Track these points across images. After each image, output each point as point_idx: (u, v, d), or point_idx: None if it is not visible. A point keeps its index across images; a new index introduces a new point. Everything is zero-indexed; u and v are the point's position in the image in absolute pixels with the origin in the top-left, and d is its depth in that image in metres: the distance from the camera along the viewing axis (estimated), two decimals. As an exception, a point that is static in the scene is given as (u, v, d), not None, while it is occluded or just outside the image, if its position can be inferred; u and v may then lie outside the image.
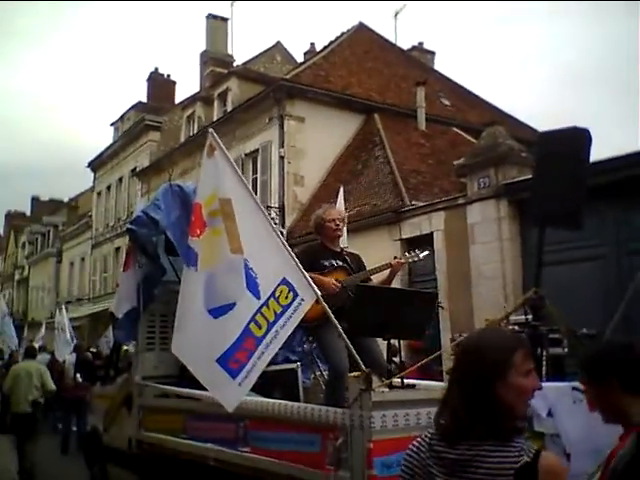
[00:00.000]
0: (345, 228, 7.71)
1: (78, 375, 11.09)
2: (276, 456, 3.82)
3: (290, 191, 16.26)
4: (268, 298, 3.60)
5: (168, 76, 31.36)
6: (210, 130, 4.20)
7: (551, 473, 1.60)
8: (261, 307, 3.59)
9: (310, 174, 16.35)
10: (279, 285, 3.60)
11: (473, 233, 10.59)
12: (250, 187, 4.06)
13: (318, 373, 5.28)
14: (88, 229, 32.01)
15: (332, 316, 3.62)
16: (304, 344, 5.63)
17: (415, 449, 1.79)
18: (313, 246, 5.04)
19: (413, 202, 12.46)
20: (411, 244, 12.25)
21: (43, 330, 22.56)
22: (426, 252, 4.85)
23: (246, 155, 18.07)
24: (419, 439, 1.81)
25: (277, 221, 16.01)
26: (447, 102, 20.25)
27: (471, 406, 1.68)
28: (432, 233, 11.51)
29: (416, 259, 4.85)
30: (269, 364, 4.89)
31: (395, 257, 4.77)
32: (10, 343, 16.78)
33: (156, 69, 30.74)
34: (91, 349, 15.19)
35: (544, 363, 4.11)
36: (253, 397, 4.35)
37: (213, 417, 4.54)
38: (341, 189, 9.21)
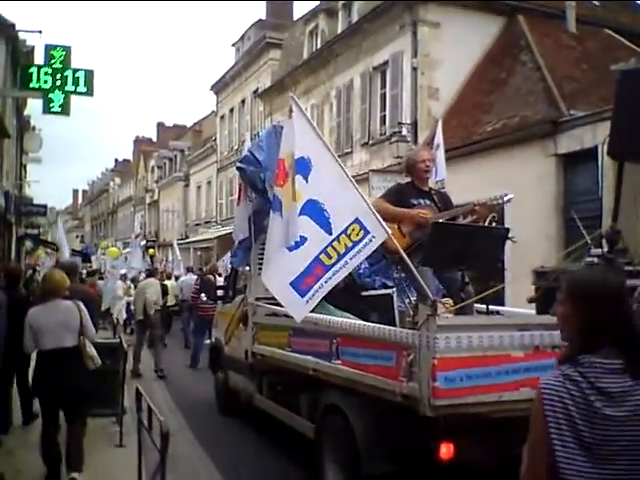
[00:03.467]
0: (444, 163, 8.21)
1: (202, 295, 12.38)
2: (361, 368, 4.43)
3: (424, 105, 15.10)
4: (339, 234, 4.28)
5: (286, -9, 30.31)
6: (291, 94, 5.00)
7: None
8: (332, 241, 4.30)
9: (445, 86, 15.04)
10: (351, 224, 4.25)
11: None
12: (322, 134, 4.60)
13: (409, 300, 5.72)
14: (213, 153, 32.48)
15: (403, 252, 4.29)
16: (402, 272, 6.11)
17: (563, 388, 1.81)
18: (403, 186, 5.49)
19: (572, 111, 11.01)
20: (569, 160, 10.97)
21: (177, 252, 23.45)
22: (511, 195, 4.93)
23: (374, 68, 16.97)
24: (555, 380, 1.83)
25: (409, 138, 15.03)
26: (596, 2, 17.86)
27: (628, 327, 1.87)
28: (596, 147, 10.11)
29: (500, 202, 4.95)
30: (368, 289, 6.15)
31: (477, 201, 4.97)
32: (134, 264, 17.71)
33: (274, -16, 29.74)
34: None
35: None
36: (344, 318, 5.11)
37: (312, 334, 5.23)
38: (439, 122, 8.51)
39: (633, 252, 4.71)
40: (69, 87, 8.56)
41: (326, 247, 4.30)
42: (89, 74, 8.52)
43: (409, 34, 15.25)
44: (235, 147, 28.74)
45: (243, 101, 28.09)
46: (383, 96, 16.73)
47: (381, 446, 4.37)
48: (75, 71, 8.59)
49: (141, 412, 4.62)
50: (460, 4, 15.10)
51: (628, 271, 4.76)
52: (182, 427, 7.58)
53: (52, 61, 8.55)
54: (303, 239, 4.39)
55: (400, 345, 4.08)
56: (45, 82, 8.54)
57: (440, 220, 4.97)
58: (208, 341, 11.77)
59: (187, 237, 35.67)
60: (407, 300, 6.32)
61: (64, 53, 8.64)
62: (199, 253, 32.80)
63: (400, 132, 14.94)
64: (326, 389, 5.13)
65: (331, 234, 4.30)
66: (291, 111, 4.69)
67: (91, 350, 5.07)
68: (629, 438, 1.79)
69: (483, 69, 15.02)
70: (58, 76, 8.58)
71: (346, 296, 6.25)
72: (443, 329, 3.80)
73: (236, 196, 7.73)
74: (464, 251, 4.41)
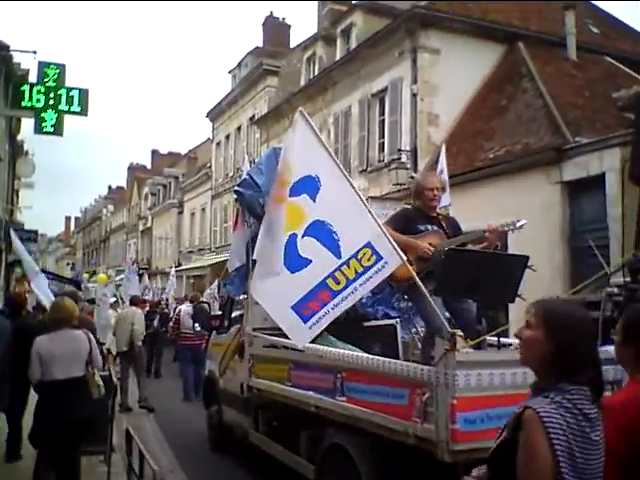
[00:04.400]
0: (447, 188, 7.63)
1: (196, 324, 12.03)
2: (368, 406, 4.12)
3: (423, 132, 14.87)
4: (349, 258, 4.02)
5: (283, 19, 30.48)
6: (300, 109, 4.49)
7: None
8: (341, 265, 4.04)
9: (445, 112, 14.84)
10: (362, 248, 4.00)
11: (660, 172, 8.87)
12: (333, 152, 4.42)
13: (415, 330, 5.68)
14: (208, 180, 32.25)
15: (418, 280, 3.98)
16: (405, 301, 5.94)
17: (561, 419, 1.83)
18: (410, 211, 5.32)
19: (577, 138, 10.77)
20: (575, 188, 10.70)
21: (173, 279, 23.00)
22: (523, 222, 4.78)
23: (373, 95, 16.78)
24: (553, 412, 1.84)
25: (408, 165, 14.78)
26: (595, 30, 17.85)
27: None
28: (603, 174, 9.86)
29: (513, 228, 4.78)
30: (370, 319, 6.09)
31: (489, 226, 4.79)
32: (131, 291, 17.30)
33: (271, 13, 29.90)
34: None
35: None
36: (349, 351, 4.81)
37: (314, 368, 4.95)
38: (443, 147, 8.36)
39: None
40: (62, 106, 8.25)
41: (334, 271, 4.06)
42: (84, 93, 8.22)
43: (409, 60, 15.10)
44: (230, 174, 28.52)
45: (239, 128, 27.95)
46: (382, 123, 16.53)
47: None
48: (69, 90, 8.30)
49: (131, 456, 4.20)
50: (460, 31, 15.00)
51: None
52: (172, 464, 7.12)
53: (45, 79, 8.27)
54: (307, 261, 4.16)
55: (414, 382, 3.78)
56: (38, 101, 8.25)
57: (453, 247, 4.69)
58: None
59: (180, 264, 35.21)
60: (413, 330, 6.17)
61: (58, 71, 8.35)
62: (192, 281, 32.33)
63: (399, 159, 14.71)
64: (329, 427, 4.80)
65: (340, 257, 4.07)
66: (298, 123, 4.41)
67: (99, 379, 5.03)
68: (601, 459, 1.89)
69: (483, 96, 14.85)
70: (51, 94, 8.28)
71: (347, 326, 5.94)
72: (463, 365, 3.52)
73: (233, 222, 7.49)
74: (480, 279, 4.09)
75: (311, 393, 4.91)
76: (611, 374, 3.73)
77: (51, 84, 8.18)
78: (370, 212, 4.09)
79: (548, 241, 10.76)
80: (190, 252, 34.68)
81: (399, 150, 15.06)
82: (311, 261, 4.14)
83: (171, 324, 14.28)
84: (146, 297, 19.01)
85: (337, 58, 19.09)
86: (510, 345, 5.15)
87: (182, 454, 7.62)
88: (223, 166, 29.86)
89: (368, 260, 3.97)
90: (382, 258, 3.96)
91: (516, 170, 11.53)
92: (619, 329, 2.30)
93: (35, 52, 9.24)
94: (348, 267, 4.02)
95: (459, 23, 14.94)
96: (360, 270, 3.99)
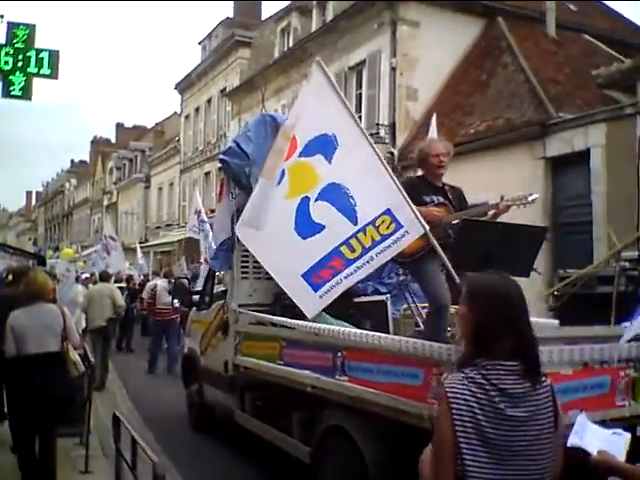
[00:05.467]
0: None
1: (175, 300, 11.53)
2: (374, 386, 3.87)
3: (402, 106, 14.63)
4: (366, 225, 3.76)
5: (254, -10, 29.66)
6: (317, 59, 4.14)
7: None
8: (357, 232, 3.78)
9: (424, 87, 14.62)
10: (381, 215, 3.73)
11: (646, 148, 8.82)
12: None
13: (410, 305, 5.39)
14: (176, 154, 31.54)
15: (439, 248, 3.67)
16: (395, 276, 5.89)
17: (467, 390, 1.85)
18: (414, 180, 5.00)
19: (560, 114, 10.67)
20: (559, 163, 10.61)
21: (139, 254, 22.46)
22: (536, 196, 4.52)
23: (350, 68, 16.45)
24: (460, 382, 1.88)
25: (387, 140, 14.55)
26: (573, 7, 17.78)
27: (538, 347, 1.95)
28: (588, 150, 9.79)
29: (525, 202, 4.49)
30: (359, 295, 5.72)
31: (502, 197, 4.47)
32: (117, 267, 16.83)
33: (242, -17, 29.04)
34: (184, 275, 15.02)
35: None
36: (350, 328, 4.41)
37: (310, 346, 4.67)
38: (434, 117, 8.17)
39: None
40: (32, 69, 7.68)
41: (349, 238, 3.79)
42: (54, 55, 7.68)
43: (388, 33, 14.79)
44: (200, 148, 27.90)
45: (209, 100, 27.27)
46: (359, 96, 16.22)
47: (398, 475, 3.80)
48: (39, 51, 7.71)
49: (119, 442, 3.91)
50: (440, 4, 14.75)
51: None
52: (152, 445, 6.82)
53: (15, 40, 7.70)
54: (320, 227, 3.89)
55: (430, 361, 3.50)
56: (6, 63, 7.66)
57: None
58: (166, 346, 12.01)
59: (147, 240, 34.53)
60: (403, 307, 5.84)
61: (28, 32, 7.75)
62: (159, 257, 31.74)
63: (377, 133, 14.45)
64: (327, 408, 4.55)
65: (356, 224, 3.82)
66: (316, 78, 4.08)
67: (75, 356, 4.83)
68: (529, 438, 1.86)
69: (463, 70, 14.66)
70: (20, 56, 7.69)
71: (337, 302, 5.71)
72: None
73: (217, 192, 7.22)
74: (496, 251, 3.86)
75: (307, 372, 4.63)
76: (634, 351, 3.63)
77: (20, 45, 7.61)
78: (392, 177, 3.81)
79: (531, 217, 10.65)
80: (158, 228, 34.00)
81: (377, 124, 14.80)
82: (324, 227, 3.90)
83: (146, 299, 13.94)
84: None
85: (313, 29, 18.65)
86: None
87: (162, 435, 7.31)
88: (192, 140, 29.18)
89: (387, 228, 3.72)
90: (402, 226, 3.70)
91: (499, 145, 11.41)
92: None
93: (2, 16, 8.59)
94: (364, 234, 3.77)
95: (439, -5, 14.66)
96: (377, 238, 3.74)
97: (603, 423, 2.74)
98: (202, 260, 11.61)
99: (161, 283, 12.83)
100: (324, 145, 3.88)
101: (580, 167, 9.97)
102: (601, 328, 3.71)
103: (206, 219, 11.32)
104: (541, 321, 5.23)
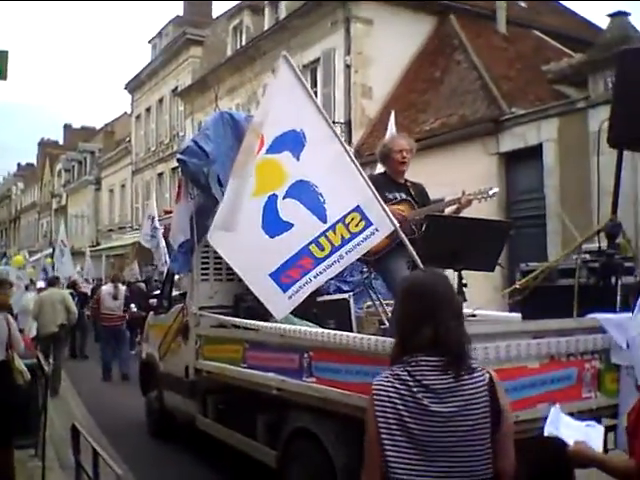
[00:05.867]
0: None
1: (132, 305, 11.74)
2: (343, 387, 3.78)
3: (357, 104, 14.63)
4: (336, 223, 3.68)
5: (204, -12, 29.26)
6: (284, 53, 4.06)
7: (499, 381, 1.96)
8: (326, 231, 3.70)
9: (379, 84, 14.65)
10: (351, 212, 3.66)
11: (597, 142, 8.98)
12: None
13: (370, 303, 5.39)
14: (127, 155, 30.89)
15: (409, 244, 3.62)
16: (357, 274, 5.82)
17: (391, 387, 1.88)
18: (376, 177, 4.98)
19: (513, 109, 10.82)
20: (512, 158, 10.76)
21: (89, 260, 21.91)
22: (496, 190, 4.64)
23: (304, 66, 16.32)
24: (385, 380, 1.91)
25: (343, 138, 14.50)
26: (523, 4, 18.12)
27: (462, 340, 1.92)
28: (541, 144, 9.95)
29: (486, 196, 4.58)
30: (322, 294, 5.54)
31: (463, 192, 4.54)
32: (67, 272, 16.34)
33: (192, -20, 28.63)
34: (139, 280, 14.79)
35: (618, 293, 4.02)
36: (316, 329, 4.37)
37: (274, 348, 4.59)
38: (392, 114, 8.23)
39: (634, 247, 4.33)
40: (-20, 70, 7.29)
41: (318, 237, 3.70)
42: (3, 55, 7.30)
43: (342, 31, 14.77)
44: (152, 148, 27.37)
45: (161, 100, 26.77)
46: (314, 94, 16.13)
47: None
48: (-14, 52, 7.32)
49: (79, 454, 3.73)
50: (392, 2, 14.79)
51: (626, 267, 4.43)
52: (111, 454, 6.60)
53: (-39, 40, 7.30)
54: (288, 225, 3.79)
55: None
56: (-47, 65, 7.25)
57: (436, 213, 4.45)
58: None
59: (98, 244, 33.73)
60: (365, 305, 5.82)
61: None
62: (112, 261, 31.02)
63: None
64: (293, 411, 4.46)
65: (325, 222, 3.69)
66: (282, 73, 4.01)
67: (20, 364, 4.76)
68: (458, 434, 1.84)
69: (417, 68, 14.76)
70: (-34, 56, 7.29)
71: (299, 302, 5.65)
72: None
73: (175, 193, 7.05)
74: (462, 247, 3.85)
75: (272, 374, 4.54)
76: (599, 343, 3.66)
77: (-36, 44, 7.25)
78: (362, 174, 3.73)
79: (486, 211, 10.76)
80: (110, 230, 33.25)
81: (333, 122, 14.67)
82: (293, 225, 3.78)
83: (91, 304, 13.66)
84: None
85: (265, 28, 18.48)
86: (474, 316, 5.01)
87: (121, 443, 7.10)
88: (144, 140, 28.61)
89: (356, 226, 3.63)
90: (372, 224, 3.62)
91: (453, 142, 11.51)
92: None
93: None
94: (334, 232, 3.67)
95: (392, -7, 14.71)
96: (347, 236, 3.65)
97: (571, 415, 2.74)
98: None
99: (105, 288, 12.56)
100: (292, 141, 3.79)
101: (533, 162, 10.14)
102: (566, 320, 3.71)
103: (158, 226, 11.18)
104: (503, 315, 5.27)
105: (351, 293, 6.05)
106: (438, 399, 1.85)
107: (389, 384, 1.89)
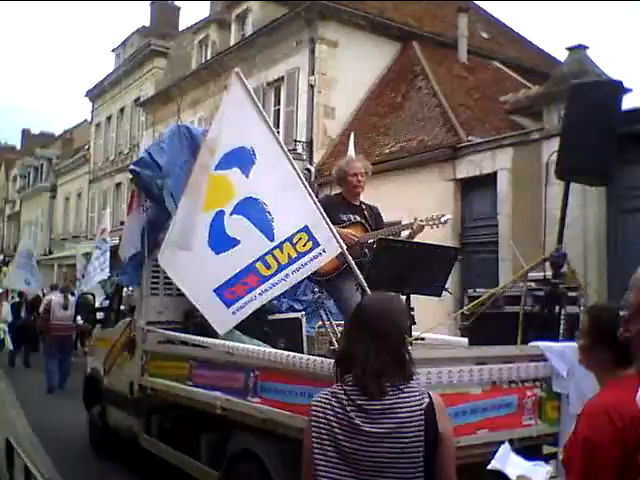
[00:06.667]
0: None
1: (79, 317, 11.25)
2: (287, 408, 3.74)
3: (319, 124, 14.72)
4: (283, 242, 3.68)
5: (172, 1, 29.21)
6: (236, 70, 4.05)
7: (442, 405, 2.00)
8: (273, 249, 3.70)
9: (342, 106, 14.78)
10: (299, 232, 3.66)
11: (549, 173, 9.24)
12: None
13: (322, 323, 5.37)
14: (85, 163, 30.35)
15: (356, 268, 3.61)
16: (310, 294, 5.77)
17: (327, 404, 1.94)
18: (331, 198, 5.10)
19: (470, 137, 11.05)
20: (468, 185, 10.97)
21: (35, 267, 21.30)
22: (448, 217, 4.74)
23: (268, 84, 16.42)
24: (324, 397, 1.97)
25: (304, 157, 14.59)
26: (485, 34, 18.61)
27: (393, 363, 1.95)
28: (495, 173, 10.17)
29: (438, 223, 4.68)
30: (274, 313, 5.62)
31: (415, 218, 4.64)
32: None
33: (160, -8, 28.55)
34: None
35: (562, 322, 4.14)
36: (264, 347, 4.37)
37: (221, 366, 4.53)
38: (352, 136, 8.32)
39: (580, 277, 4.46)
40: None
41: (265, 255, 3.71)
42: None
43: (307, 51, 14.89)
44: (111, 157, 26.98)
45: (122, 109, 26.46)
46: (277, 112, 16.21)
47: None
48: None
49: (13, 469, 3.61)
50: (358, 26, 15.03)
51: (570, 297, 4.54)
52: (51, 472, 6.39)
53: None
54: (235, 241, 3.80)
55: None
56: None
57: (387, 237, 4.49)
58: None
59: (51, 252, 32.94)
60: (318, 324, 5.75)
61: None
62: (64, 270, 30.31)
63: (295, 150, 14.45)
64: (237, 432, 4.39)
65: (272, 240, 3.71)
66: (234, 89, 4.00)
67: None
68: (390, 455, 1.87)
69: (379, 92, 14.96)
70: None
71: (250, 319, 5.60)
72: None
73: (127, 204, 6.95)
74: (410, 271, 3.89)
75: (217, 393, 4.47)
76: (541, 371, 3.72)
77: None
78: (310, 194, 3.74)
79: (441, 236, 10.91)
80: (63, 239, 32.51)
81: (295, 141, 14.82)
82: (239, 242, 3.79)
83: (41, 314, 13.36)
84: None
85: (232, 43, 18.50)
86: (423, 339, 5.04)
87: (61, 458, 6.90)
88: (103, 149, 28.18)
89: (304, 246, 3.64)
90: (319, 245, 3.63)
91: (412, 166, 11.67)
92: (586, 331, 2.12)
93: None
94: (281, 251, 3.68)
95: (357, 17, 14.94)
96: (294, 255, 3.65)
97: (510, 442, 2.77)
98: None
99: (55, 298, 12.33)
100: (241, 158, 3.78)
101: (488, 189, 10.35)
102: (509, 348, 3.77)
103: (108, 240, 11.09)
104: (452, 340, 5.33)
105: (303, 312, 6.06)
106: (370, 419, 1.88)
107: (326, 401, 1.95)
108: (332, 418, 1.91)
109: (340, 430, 1.89)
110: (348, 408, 1.90)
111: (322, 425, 1.92)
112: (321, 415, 1.93)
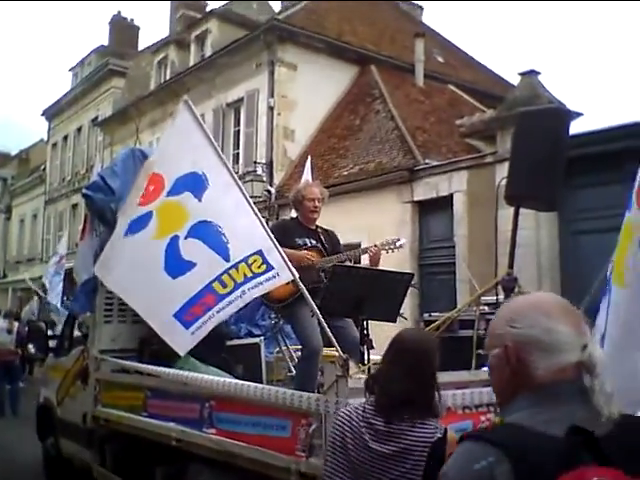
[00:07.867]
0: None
1: (30, 345, 11.09)
2: (243, 439, 3.69)
3: (279, 146, 14.79)
4: (238, 262, 3.68)
5: (132, 20, 29.11)
6: (184, 97, 4.12)
7: (455, 445, 1.80)
8: (229, 269, 3.69)
9: (301, 128, 14.89)
10: (253, 254, 3.66)
11: (500, 196, 9.44)
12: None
13: (282, 348, 5.38)
14: (41, 183, 29.74)
15: (308, 295, 3.58)
16: (269, 319, 5.76)
17: (347, 417, 2.15)
18: (288, 222, 5.12)
19: (427, 160, 11.24)
20: (425, 207, 11.13)
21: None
22: (403, 241, 4.78)
23: (228, 105, 16.43)
24: (349, 409, 2.20)
25: (264, 178, 14.60)
26: (441, 59, 19.04)
27: (422, 397, 2.11)
28: (451, 195, 10.35)
29: (393, 247, 4.67)
30: (232, 338, 5.66)
31: (375, 245, 4.61)
32: None
33: (119, 12, 28.46)
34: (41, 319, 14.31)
35: None
36: (220, 377, 4.31)
37: (176, 396, 4.46)
38: (308, 160, 8.38)
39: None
40: None
41: (221, 274, 3.67)
42: None
43: (266, 73, 14.97)
44: (68, 178, 26.51)
45: (79, 129, 26.08)
46: (237, 134, 16.21)
47: None
48: None
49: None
50: (316, 49, 15.21)
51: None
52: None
53: None
54: (190, 264, 3.77)
55: (298, 412, 3.37)
56: None
57: (341, 262, 4.50)
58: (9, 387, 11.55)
59: (6, 276, 32.04)
60: (276, 350, 5.75)
61: None
62: (19, 294, 29.50)
63: (255, 171, 14.48)
64: (193, 463, 4.29)
65: (228, 261, 3.69)
66: (183, 116, 4.00)
67: None
68: (394, 473, 2.00)
69: (338, 114, 15.12)
70: None
71: (207, 346, 5.53)
72: (357, 393, 3.04)
73: (80, 229, 6.81)
74: (365, 297, 3.91)
75: (172, 424, 4.39)
76: (485, 397, 3.76)
77: None
78: (261, 222, 3.73)
79: (398, 258, 11.03)
80: (18, 262, 31.67)
81: (255, 162, 14.83)
82: (195, 264, 3.75)
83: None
84: None
85: (191, 64, 18.48)
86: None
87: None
88: (60, 169, 27.67)
89: (259, 267, 3.62)
90: (273, 268, 3.63)
91: (370, 188, 11.78)
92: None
93: None
94: (237, 271, 3.64)
95: (315, 40, 15.13)
96: (250, 275, 3.63)
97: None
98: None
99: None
100: (193, 183, 3.78)
101: (444, 211, 10.52)
102: (462, 373, 3.81)
103: (65, 264, 10.90)
104: None
105: (262, 337, 6.02)
106: (378, 438, 2.05)
107: (347, 415, 2.17)
108: (347, 429, 2.10)
109: (352, 443, 2.07)
110: (362, 424, 2.09)
111: (337, 434, 2.12)
112: (340, 425, 2.13)
